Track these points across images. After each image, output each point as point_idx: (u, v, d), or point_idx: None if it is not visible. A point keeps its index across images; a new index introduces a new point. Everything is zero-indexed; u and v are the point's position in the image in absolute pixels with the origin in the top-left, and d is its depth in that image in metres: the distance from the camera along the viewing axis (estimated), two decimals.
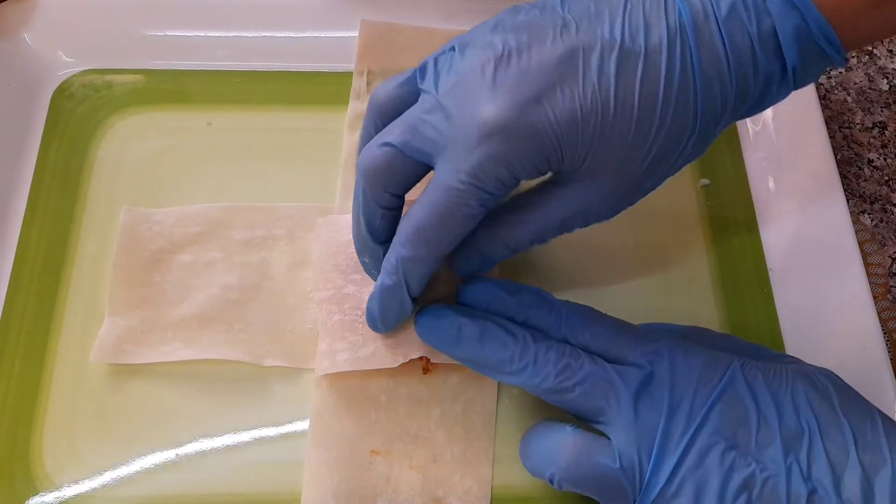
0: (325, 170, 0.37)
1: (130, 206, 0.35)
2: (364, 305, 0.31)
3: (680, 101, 0.24)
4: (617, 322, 0.28)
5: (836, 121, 0.42)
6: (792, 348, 0.34)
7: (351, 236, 0.33)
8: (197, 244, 0.34)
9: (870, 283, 0.34)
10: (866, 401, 0.26)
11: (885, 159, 0.41)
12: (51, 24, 0.39)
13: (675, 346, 0.27)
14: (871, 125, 0.42)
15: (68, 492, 0.30)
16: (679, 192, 0.37)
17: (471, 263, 0.29)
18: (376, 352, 0.30)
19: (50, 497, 0.30)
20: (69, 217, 0.35)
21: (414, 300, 0.28)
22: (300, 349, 0.32)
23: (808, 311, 0.34)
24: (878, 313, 0.33)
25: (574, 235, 0.36)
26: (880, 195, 0.41)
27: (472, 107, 0.24)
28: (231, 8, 0.39)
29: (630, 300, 0.35)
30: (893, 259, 0.39)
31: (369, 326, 0.30)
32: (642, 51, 0.24)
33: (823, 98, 0.43)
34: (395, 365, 0.30)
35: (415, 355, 0.30)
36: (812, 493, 0.24)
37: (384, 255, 0.28)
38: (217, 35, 0.39)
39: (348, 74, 0.39)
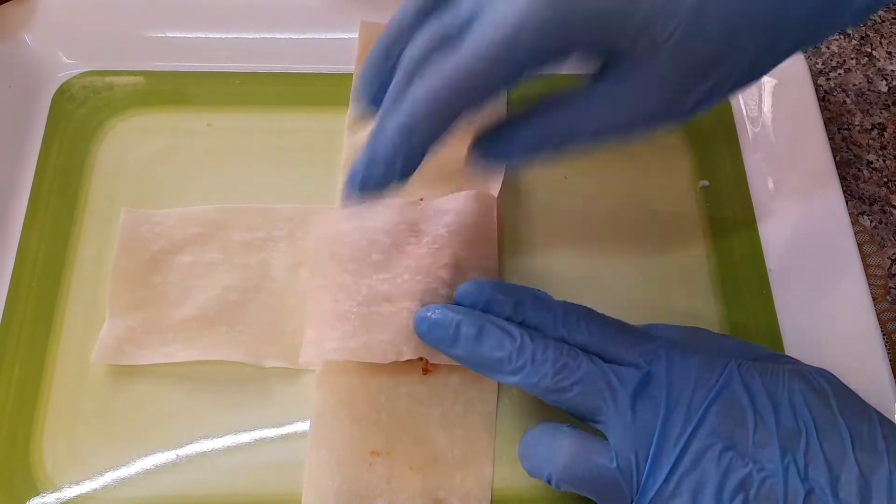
0: (326, 171, 0.37)
1: (131, 208, 0.35)
2: (360, 297, 0.31)
3: None
4: (615, 322, 0.28)
5: (835, 122, 0.43)
6: (791, 349, 0.34)
7: (349, 229, 0.33)
8: (197, 245, 0.34)
9: (869, 284, 0.34)
10: (864, 401, 0.26)
11: (884, 161, 0.41)
12: (51, 25, 0.39)
13: (673, 346, 0.27)
14: (870, 127, 0.42)
15: (69, 493, 0.30)
16: (678, 192, 0.38)
17: (505, 148, 0.27)
18: (368, 344, 0.30)
19: (51, 498, 0.30)
20: (69, 218, 0.35)
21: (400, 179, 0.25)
22: (300, 350, 0.32)
23: (807, 313, 0.34)
24: (878, 314, 0.33)
25: (572, 237, 0.36)
26: (879, 196, 0.41)
27: None
28: (231, 9, 0.40)
29: (629, 300, 0.35)
30: (893, 260, 0.39)
31: (346, 187, 0.26)
32: None
33: (822, 99, 0.43)
34: (386, 361, 0.30)
35: (409, 356, 0.30)
36: (809, 493, 0.24)
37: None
38: (217, 36, 0.39)
39: (348, 76, 0.39)
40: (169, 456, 0.31)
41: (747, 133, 0.39)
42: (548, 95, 0.25)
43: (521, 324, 0.28)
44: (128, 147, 0.37)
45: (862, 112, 0.43)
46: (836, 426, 0.24)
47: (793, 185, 0.37)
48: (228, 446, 0.31)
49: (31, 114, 0.37)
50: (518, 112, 0.26)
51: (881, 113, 0.43)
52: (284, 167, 0.37)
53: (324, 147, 0.37)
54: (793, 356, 0.34)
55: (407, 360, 0.31)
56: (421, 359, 0.31)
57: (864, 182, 0.41)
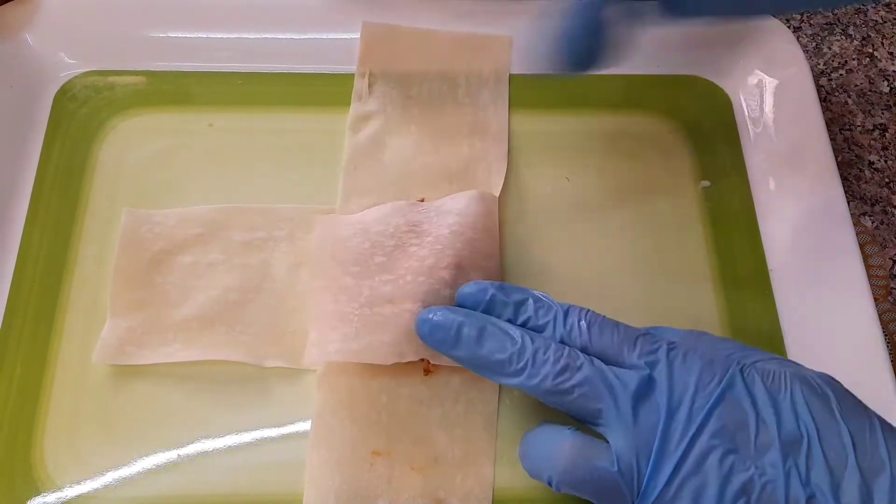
0: (327, 171, 0.37)
1: (132, 208, 0.35)
2: (362, 298, 0.31)
3: None
4: (616, 324, 0.28)
5: (836, 123, 0.42)
6: (792, 349, 0.34)
7: (351, 233, 0.33)
8: (198, 245, 0.34)
9: (870, 284, 0.34)
10: (865, 405, 0.25)
11: (885, 161, 0.41)
12: (53, 25, 0.39)
13: (675, 349, 0.27)
14: (871, 127, 0.42)
15: (70, 492, 0.30)
16: (680, 193, 0.38)
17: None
18: (370, 346, 0.30)
19: (51, 498, 0.30)
20: (71, 218, 0.35)
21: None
22: (301, 350, 0.32)
23: (808, 313, 0.34)
24: (879, 315, 0.33)
25: (574, 237, 0.36)
26: (881, 197, 0.41)
27: None
28: (233, 9, 0.40)
29: (631, 301, 0.35)
30: (894, 261, 0.39)
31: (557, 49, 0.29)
32: None
33: (824, 100, 0.43)
34: (388, 363, 0.30)
35: (411, 357, 0.30)
36: (811, 497, 0.23)
37: None
38: (219, 36, 0.39)
39: (350, 76, 0.39)
40: (170, 456, 0.31)
41: (749, 133, 0.39)
42: None
43: (522, 325, 0.28)
44: (129, 147, 0.37)
45: (863, 113, 0.43)
46: (837, 431, 0.24)
47: (794, 186, 0.37)
48: (229, 446, 0.31)
49: (32, 114, 0.37)
50: None
51: (883, 113, 0.43)
52: (285, 167, 0.37)
53: (325, 147, 0.37)
54: (794, 356, 0.34)
55: (408, 361, 0.31)
56: (422, 360, 0.31)
57: (866, 182, 0.41)
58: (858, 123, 0.42)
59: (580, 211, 0.37)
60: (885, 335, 0.33)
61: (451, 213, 0.33)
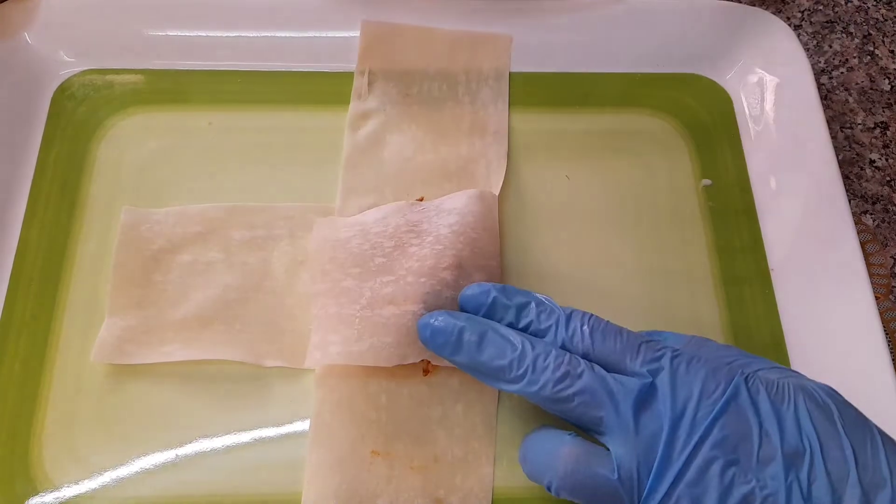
0: (326, 170, 0.37)
1: (131, 206, 0.35)
2: (363, 300, 0.31)
3: None
4: (618, 330, 0.28)
5: (837, 121, 0.42)
6: (793, 348, 0.34)
7: (350, 235, 0.33)
8: (197, 244, 0.34)
9: (872, 283, 0.33)
10: (866, 418, 0.25)
11: (886, 160, 0.41)
12: (52, 23, 0.39)
13: (678, 356, 0.26)
14: (872, 125, 0.42)
15: (68, 492, 0.30)
16: (680, 191, 0.37)
17: None
18: (372, 348, 0.30)
19: (50, 497, 0.30)
20: (69, 217, 0.35)
21: None
22: (300, 349, 0.32)
23: (809, 311, 0.34)
24: (881, 314, 0.33)
25: (574, 236, 0.36)
26: (882, 195, 0.40)
27: None
28: (232, 8, 0.39)
29: (631, 301, 0.35)
30: (895, 259, 0.39)
31: None
32: None
33: (825, 98, 0.43)
34: (390, 365, 0.30)
35: (413, 359, 0.30)
36: None
37: None
38: (218, 35, 0.39)
39: (349, 74, 0.39)
40: (168, 455, 0.31)
41: (749, 132, 0.39)
42: None
43: (524, 329, 0.28)
44: (128, 145, 0.37)
45: (864, 111, 0.43)
46: (840, 445, 0.24)
47: (795, 184, 0.37)
48: (228, 446, 0.31)
49: (31, 112, 0.37)
50: None
51: (884, 111, 0.43)
52: (284, 166, 0.37)
53: (324, 146, 0.37)
54: (795, 355, 0.34)
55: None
56: (422, 360, 0.31)
57: (867, 181, 0.41)
58: (859, 121, 0.42)
59: (580, 209, 0.37)
60: (886, 333, 0.32)
61: (452, 212, 0.33)
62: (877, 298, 0.33)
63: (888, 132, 0.42)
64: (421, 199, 0.35)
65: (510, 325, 0.28)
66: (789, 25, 0.41)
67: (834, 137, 0.41)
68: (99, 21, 0.39)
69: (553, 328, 0.28)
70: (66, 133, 0.37)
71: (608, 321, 0.28)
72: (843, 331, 0.33)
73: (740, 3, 0.42)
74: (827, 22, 0.46)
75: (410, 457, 0.31)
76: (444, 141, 0.37)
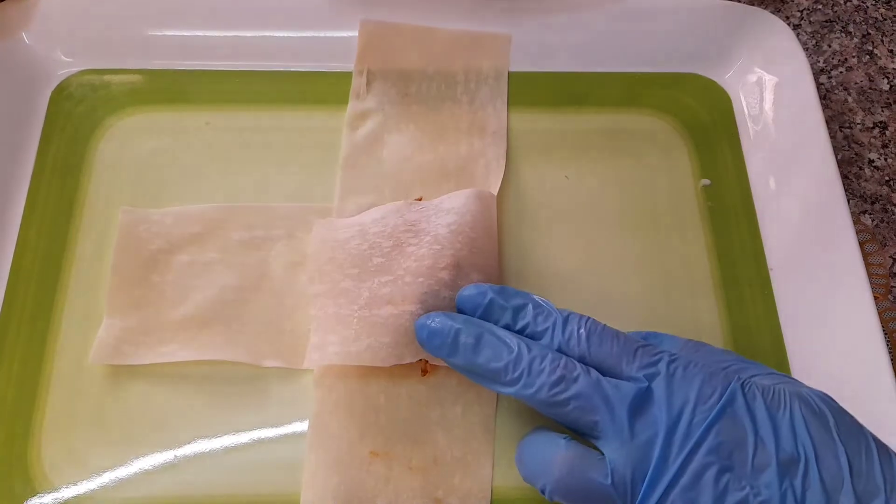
0: (324, 170, 0.37)
1: (129, 207, 0.35)
2: (361, 300, 0.31)
3: None
4: (615, 333, 0.28)
5: (836, 121, 0.42)
6: (792, 348, 0.34)
7: (349, 236, 0.33)
8: (195, 244, 0.34)
9: (870, 283, 0.33)
10: (861, 426, 0.25)
11: (885, 159, 0.41)
12: (49, 24, 0.39)
13: (674, 361, 0.26)
14: (871, 125, 0.42)
15: (67, 493, 0.30)
16: (680, 191, 0.37)
17: None
18: (370, 348, 0.30)
19: (48, 498, 0.30)
20: (68, 217, 0.35)
21: None
22: (299, 350, 0.32)
23: (808, 312, 0.34)
24: (879, 313, 0.33)
25: (573, 236, 0.36)
26: (881, 195, 0.40)
27: None
28: (230, 8, 0.39)
29: (631, 300, 0.35)
30: (894, 259, 0.39)
31: None
32: None
33: (824, 98, 0.43)
34: (387, 365, 0.30)
35: (410, 359, 0.30)
36: None
37: None
38: (216, 35, 0.39)
39: (347, 74, 0.39)
40: (167, 456, 0.30)
41: (748, 132, 0.39)
42: None
43: (520, 331, 0.28)
44: (126, 146, 0.37)
45: (863, 110, 0.43)
46: (835, 453, 0.24)
47: (794, 184, 0.37)
48: (227, 446, 0.31)
49: (29, 112, 0.37)
50: None
51: (883, 111, 0.43)
52: (283, 166, 0.37)
53: (323, 146, 0.37)
54: (794, 355, 0.34)
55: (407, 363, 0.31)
56: (420, 360, 0.31)
57: (866, 181, 0.41)
58: (858, 121, 0.42)
59: (579, 209, 0.37)
60: (885, 334, 0.32)
61: (450, 211, 0.33)
62: (876, 298, 0.33)
63: (887, 132, 0.42)
64: (419, 199, 0.35)
65: (507, 327, 0.28)
66: (788, 25, 0.41)
67: (833, 137, 0.41)
68: (97, 21, 0.39)
69: (550, 331, 0.28)
70: (64, 133, 0.37)
71: (605, 324, 0.28)
72: (842, 331, 0.33)
73: (739, 2, 0.42)
74: (826, 21, 0.45)
75: (409, 457, 0.30)
76: (442, 141, 0.37)
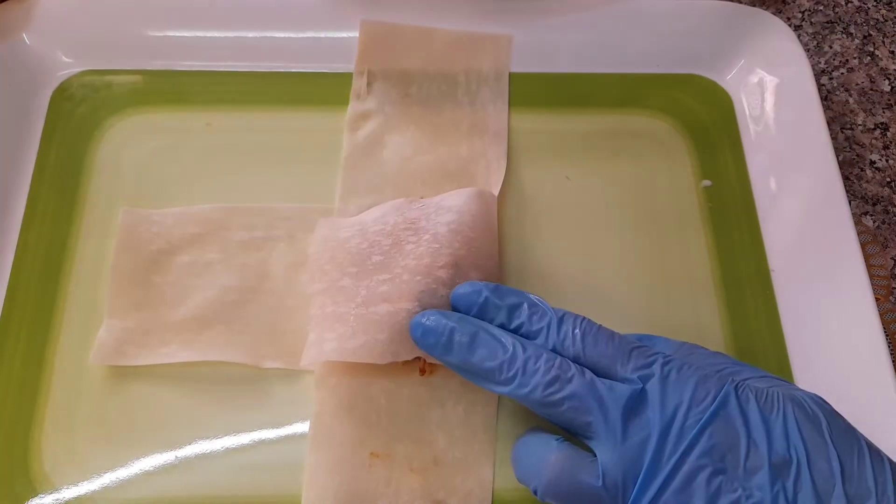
0: (325, 171, 0.37)
1: (129, 207, 0.35)
2: (359, 298, 0.31)
3: None
4: (610, 334, 0.28)
5: (837, 122, 0.42)
6: (793, 350, 0.34)
7: (350, 234, 0.33)
8: (196, 245, 0.34)
9: (872, 284, 0.33)
10: (854, 429, 0.25)
11: (887, 161, 0.41)
12: (50, 24, 0.39)
13: (669, 363, 0.26)
14: (872, 126, 0.42)
15: (67, 493, 0.30)
16: (680, 192, 0.37)
17: None
18: (366, 345, 0.30)
19: (49, 499, 0.30)
20: (68, 218, 0.35)
21: None
22: (300, 351, 0.32)
23: (810, 313, 0.34)
24: (881, 315, 0.33)
25: (574, 236, 0.36)
26: (882, 196, 0.40)
27: None
28: (230, 8, 0.39)
29: (631, 301, 0.35)
30: (895, 261, 0.39)
31: None
32: None
33: (825, 99, 0.43)
34: (383, 362, 0.30)
35: (406, 357, 0.30)
36: None
37: None
38: (216, 35, 0.39)
39: (348, 75, 0.39)
40: (168, 457, 0.30)
41: (750, 133, 0.39)
42: None
43: (515, 330, 0.28)
44: (126, 146, 0.37)
45: (865, 111, 0.43)
46: (827, 456, 0.24)
47: (795, 185, 0.37)
48: (227, 447, 0.31)
49: (29, 113, 0.37)
50: None
51: (884, 112, 0.43)
52: (283, 166, 0.37)
53: (323, 146, 0.37)
54: (795, 356, 0.34)
55: (407, 363, 0.31)
56: (418, 359, 0.31)
57: (867, 182, 0.41)
58: (859, 122, 0.42)
59: (580, 210, 0.37)
60: (887, 335, 0.32)
61: (450, 210, 0.33)
62: (877, 300, 0.33)
63: (888, 133, 0.42)
64: (421, 198, 0.35)
65: (501, 326, 0.28)
66: (789, 26, 0.41)
67: (834, 138, 0.41)
68: (98, 22, 0.39)
69: (545, 330, 0.28)
70: (64, 134, 0.37)
71: (600, 325, 0.28)
72: (843, 332, 0.33)
73: (740, 3, 0.42)
74: (827, 22, 0.45)
75: (410, 458, 0.30)
76: (443, 141, 0.37)
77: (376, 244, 0.32)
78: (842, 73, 0.44)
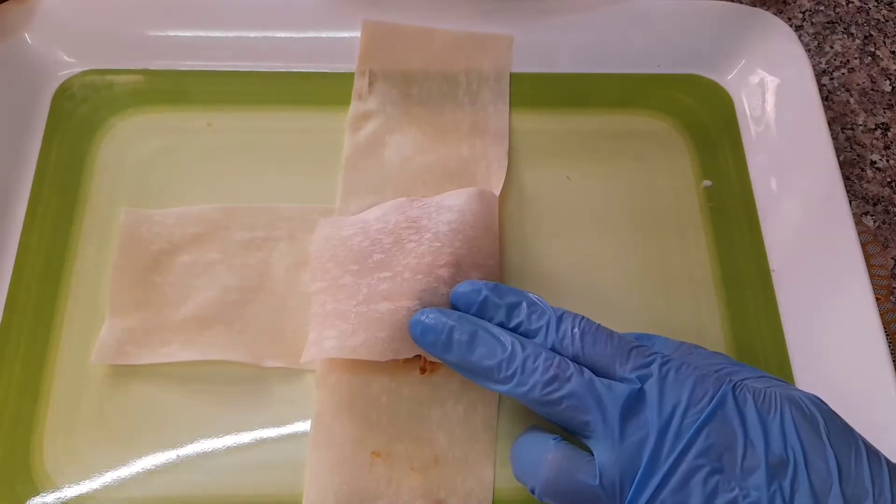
0: (326, 171, 0.37)
1: (131, 207, 0.35)
2: (360, 296, 0.31)
3: None
4: (609, 334, 0.28)
5: (838, 122, 0.42)
6: (794, 349, 0.34)
7: (351, 233, 0.33)
8: (197, 245, 0.34)
9: (872, 284, 0.33)
10: (852, 429, 0.25)
11: (887, 161, 0.41)
12: (52, 24, 0.39)
13: (667, 362, 0.26)
14: (873, 126, 0.42)
15: (69, 492, 0.30)
16: (681, 192, 0.37)
17: None
18: (366, 343, 0.30)
19: (51, 498, 0.30)
20: (70, 218, 0.35)
21: None
22: (301, 350, 0.32)
23: (810, 313, 0.34)
24: (881, 315, 0.33)
25: (574, 236, 0.36)
26: (883, 197, 0.40)
27: None
28: (232, 8, 0.39)
29: (632, 301, 0.35)
30: None
31: None
32: None
33: (826, 99, 0.43)
34: (384, 359, 0.30)
35: (406, 355, 0.30)
36: None
37: None
38: (218, 35, 0.39)
39: (350, 75, 0.39)
40: (169, 456, 0.31)
41: (750, 133, 0.39)
42: None
43: (514, 329, 0.28)
44: (128, 146, 0.37)
45: (865, 112, 0.43)
46: (824, 456, 0.24)
47: (796, 185, 0.37)
48: (229, 447, 0.31)
49: (31, 113, 0.37)
50: None
51: (885, 113, 0.43)
52: (284, 166, 0.37)
53: (324, 146, 0.37)
54: (795, 356, 0.34)
55: (407, 361, 0.31)
56: (418, 357, 0.31)
57: (868, 182, 0.41)
58: (860, 122, 0.42)
59: (581, 210, 0.37)
60: (887, 335, 0.32)
61: (452, 209, 0.33)
62: (877, 300, 0.33)
63: (889, 133, 0.42)
64: (423, 198, 0.35)
65: (501, 325, 0.28)
66: (790, 26, 0.41)
67: (835, 138, 0.41)
68: (99, 21, 0.39)
69: (544, 329, 0.28)
70: (66, 134, 0.37)
71: (599, 324, 0.28)
72: (843, 332, 0.33)
73: (741, 3, 0.42)
74: (828, 23, 0.45)
75: (411, 458, 0.30)
76: (444, 142, 0.37)
77: (378, 242, 0.33)
78: (842, 74, 0.44)
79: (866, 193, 0.40)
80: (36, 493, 0.30)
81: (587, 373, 0.26)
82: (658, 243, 0.36)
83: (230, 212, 0.35)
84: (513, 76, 0.40)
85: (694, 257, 0.36)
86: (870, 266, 0.37)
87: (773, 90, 0.39)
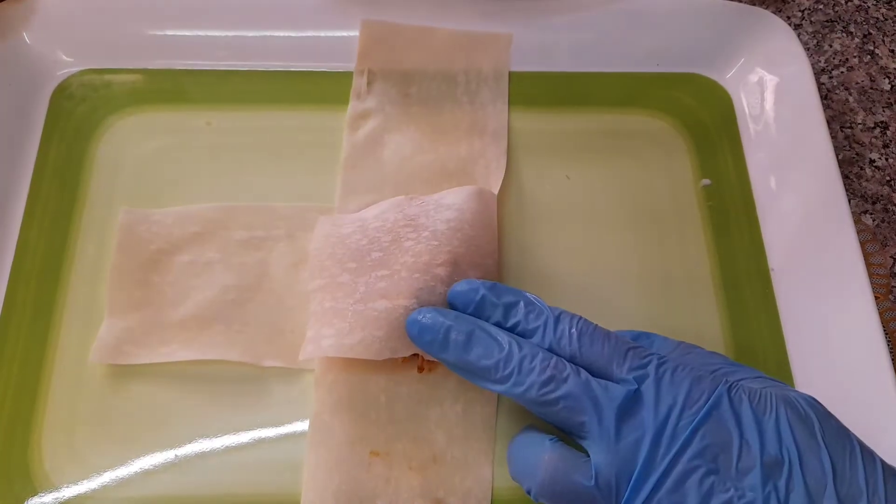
0: (325, 170, 0.37)
1: (129, 207, 0.35)
2: (357, 294, 0.31)
3: None
4: (606, 334, 0.27)
5: (837, 120, 0.42)
6: (793, 348, 0.34)
7: (350, 231, 0.33)
8: (196, 245, 0.34)
9: (871, 283, 0.33)
10: (847, 430, 0.25)
11: (886, 159, 0.41)
12: (50, 23, 0.39)
13: (664, 364, 0.26)
14: (872, 125, 0.42)
15: (67, 492, 0.30)
16: (680, 191, 0.37)
17: None
18: (363, 341, 0.30)
19: (49, 498, 0.30)
20: (68, 217, 0.35)
21: None
22: (299, 350, 0.32)
23: (809, 312, 0.34)
24: (880, 313, 0.33)
25: (573, 236, 0.36)
26: (882, 195, 0.40)
27: None
28: (230, 7, 0.39)
29: (631, 300, 0.35)
30: (895, 259, 0.39)
31: None
32: None
33: (825, 98, 0.43)
34: (381, 358, 0.30)
35: (403, 354, 0.30)
36: None
37: None
38: (216, 35, 0.39)
39: (348, 74, 0.39)
40: (167, 456, 0.31)
41: (749, 131, 0.39)
42: None
43: (511, 329, 0.28)
44: (126, 145, 0.37)
45: (864, 110, 0.43)
46: (819, 456, 0.24)
47: (795, 184, 0.37)
48: (227, 446, 0.31)
49: (29, 112, 0.37)
50: None
51: (884, 111, 0.43)
52: (283, 166, 0.37)
53: (323, 146, 0.37)
54: (795, 355, 0.34)
55: (405, 360, 0.31)
56: (416, 356, 0.31)
57: (867, 180, 0.41)
58: (859, 121, 0.42)
59: (580, 209, 0.37)
60: (886, 334, 0.32)
61: (450, 207, 0.33)
62: (876, 298, 0.33)
63: (888, 132, 0.42)
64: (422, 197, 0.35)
65: (498, 324, 0.28)
66: (789, 25, 0.41)
67: (834, 137, 0.41)
68: (98, 21, 0.39)
69: (541, 329, 0.28)
70: (64, 133, 0.37)
71: (596, 325, 0.28)
72: (842, 331, 0.33)
73: (740, 2, 0.42)
74: (827, 21, 0.45)
75: (409, 457, 0.30)
76: (443, 141, 0.37)
77: (376, 241, 0.33)
78: (841, 72, 0.44)
79: (865, 192, 0.40)
80: (34, 492, 0.30)
81: (584, 374, 0.26)
82: (657, 242, 0.36)
83: (229, 211, 0.35)
84: (512, 75, 0.40)
85: (693, 256, 0.36)
86: (869, 265, 0.37)
87: (773, 89, 0.39)
